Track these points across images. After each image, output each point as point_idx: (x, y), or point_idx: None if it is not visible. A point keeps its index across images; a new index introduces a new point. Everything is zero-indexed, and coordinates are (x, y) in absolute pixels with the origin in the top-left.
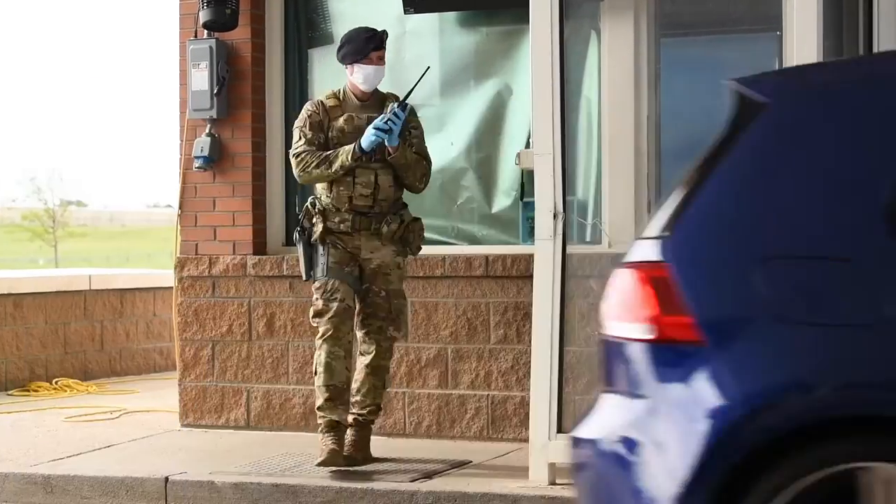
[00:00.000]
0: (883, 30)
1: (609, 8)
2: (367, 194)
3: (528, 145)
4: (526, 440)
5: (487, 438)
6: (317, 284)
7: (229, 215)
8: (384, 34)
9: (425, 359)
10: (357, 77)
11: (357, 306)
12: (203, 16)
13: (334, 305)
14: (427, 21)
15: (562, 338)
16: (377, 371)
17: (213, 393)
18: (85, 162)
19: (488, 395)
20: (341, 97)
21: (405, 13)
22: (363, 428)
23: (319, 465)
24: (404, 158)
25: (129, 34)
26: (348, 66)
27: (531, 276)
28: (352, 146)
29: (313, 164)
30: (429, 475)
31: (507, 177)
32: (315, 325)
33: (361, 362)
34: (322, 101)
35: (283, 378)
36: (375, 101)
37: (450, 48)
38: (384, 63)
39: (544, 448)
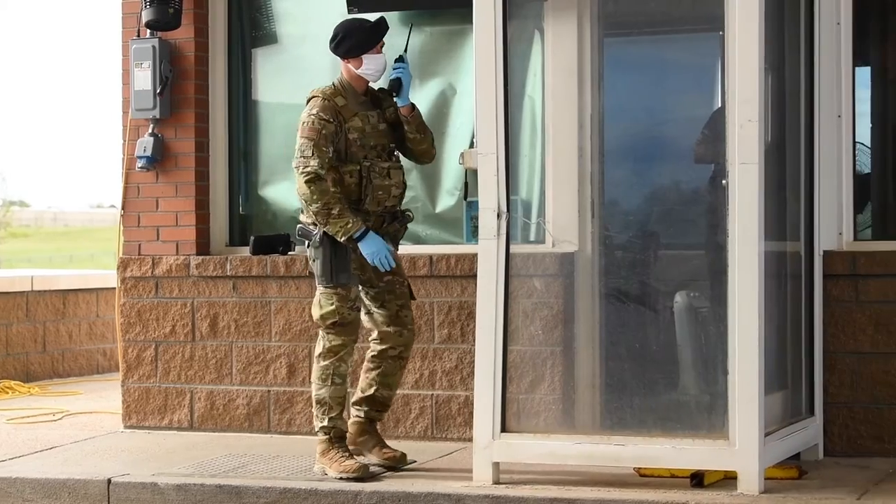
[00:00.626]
0: (824, 32)
1: (552, 8)
2: (399, 194)
3: (471, 145)
4: (470, 439)
5: (432, 438)
6: (341, 291)
7: (172, 215)
8: (386, 22)
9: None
10: (368, 69)
11: (375, 305)
12: (146, 15)
13: (355, 315)
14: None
15: (505, 337)
16: (405, 363)
17: (156, 394)
18: (28, 162)
19: (433, 394)
20: (344, 93)
21: (349, 12)
22: (376, 421)
23: (352, 479)
24: (420, 118)
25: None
26: (353, 59)
27: (475, 276)
28: (354, 228)
29: (315, 206)
30: (373, 475)
31: (450, 176)
32: (332, 332)
33: (391, 353)
34: (332, 103)
35: (226, 379)
36: (371, 96)
37: (393, 48)
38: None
39: (488, 447)
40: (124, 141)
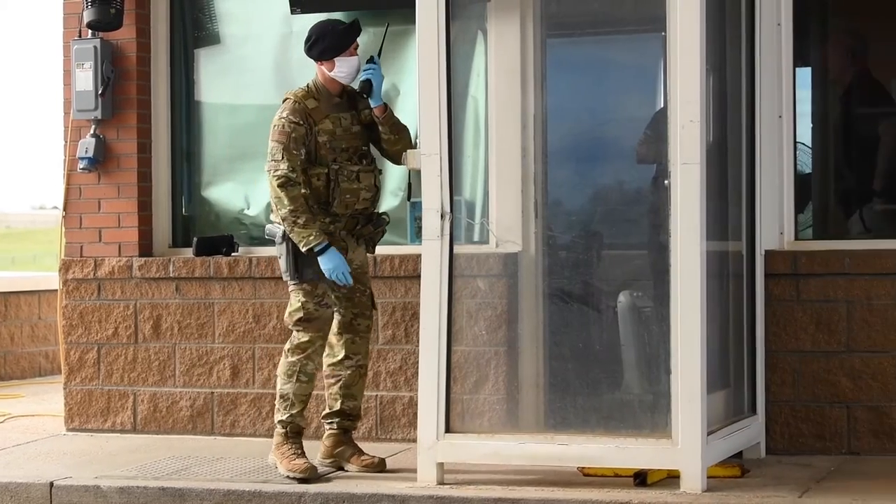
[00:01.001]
0: (765, 32)
1: (495, 8)
2: (369, 197)
3: (415, 145)
4: (415, 440)
5: (376, 439)
6: (306, 287)
7: (115, 217)
8: (359, 24)
9: None
10: (340, 71)
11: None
12: (87, 15)
13: (323, 311)
14: (314, 21)
15: (449, 337)
16: (365, 371)
17: (98, 396)
18: None
19: (377, 395)
20: (317, 95)
21: (292, 13)
22: (350, 430)
23: (298, 479)
24: (394, 118)
25: (13, 34)
26: (326, 61)
27: (419, 277)
28: (315, 240)
29: (283, 211)
30: (321, 476)
31: (394, 177)
32: (299, 329)
33: (347, 364)
34: (303, 105)
35: (169, 381)
36: (346, 98)
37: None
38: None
39: (433, 448)
40: (66, 142)
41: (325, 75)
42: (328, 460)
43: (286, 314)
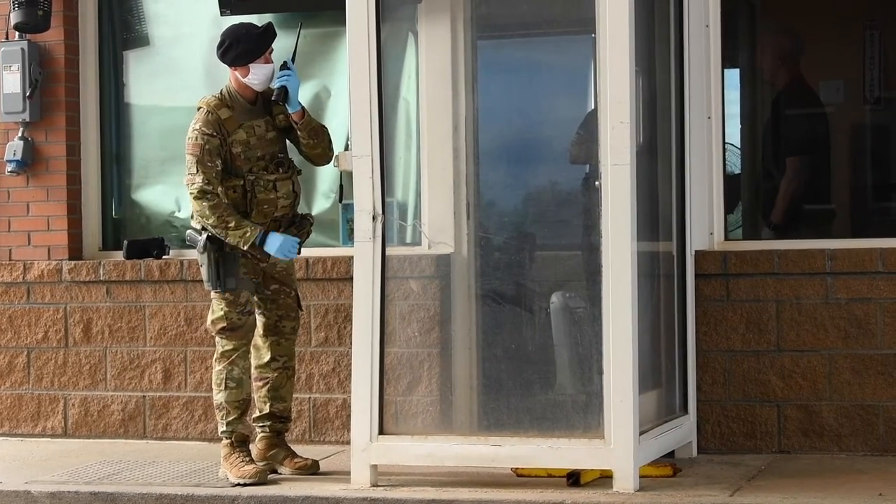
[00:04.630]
0: (694, 34)
1: (426, 10)
2: (288, 204)
3: (346, 147)
4: (348, 443)
5: (310, 441)
6: (229, 296)
7: (44, 220)
8: (274, 28)
9: None
10: (254, 78)
11: (258, 311)
12: (14, 17)
13: (246, 319)
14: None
15: (382, 339)
16: (293, 372)
17: (28, 401)
18: None
19: (310, 397)
20: (230, 103)
21: (221, 15)
22: (283, 432)
23: (249, 485)
24: (312, 122)
25: None
26: (240, 67)
27: (352, 279)
28: (252, 234)
29: (211, 221)
30: (273, 481)
31: (325, 179)
32: (223, 336)
33: (274, 366)
34: (216, 116)
35: (100, 384)
36: (261, 103)
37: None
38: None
39: (366, 450)
40: None
41: (239, 81)
42: (262, 463)
43: (209, 321)
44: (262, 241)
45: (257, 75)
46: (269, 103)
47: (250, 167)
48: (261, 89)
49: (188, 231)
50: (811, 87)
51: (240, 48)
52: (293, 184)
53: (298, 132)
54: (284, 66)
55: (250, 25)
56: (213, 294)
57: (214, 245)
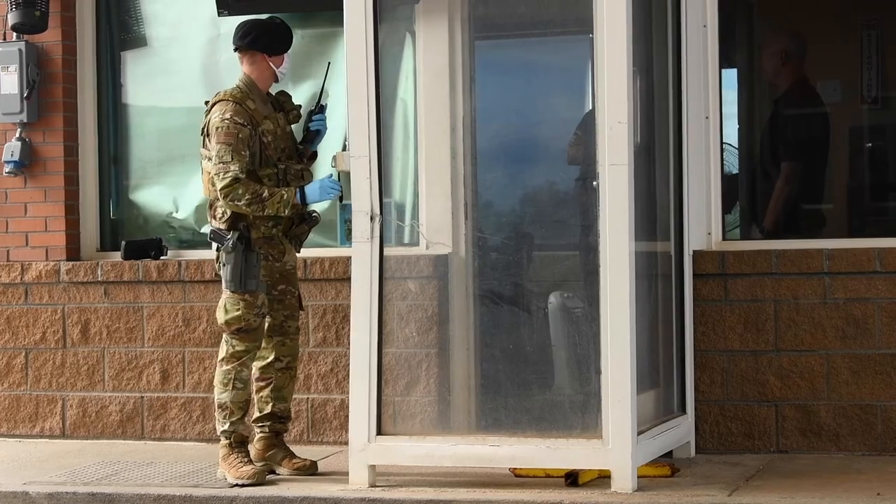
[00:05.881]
0: (691, 34)
1: (423, 11)
2: None
3: (344, 148)
4: (346, 443)
5: (308, 442)
6: (248, 298)
7: (42, 220)
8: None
9: None
10: (285, 68)
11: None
12: (11, 18)
13: (261, 321)
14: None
15: (380, 340)
16: (295, 372)
17: (26, 402)
18: None
19: (308, 398)
20: (252, 96)
21: (219, 15)
22: (282, 432)
23: (248, 486)
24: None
25: None
26: (275, 56)
27: (349, 279)
28: (290, 195)
29: (245, 201)
30: (271, 481)
31: None
32: (236, 337)
33: (278, 366)
34: (245, 106)
35: (98, 385)
36: (270, 99)
37: None
38: None
39: (364, 450)
40: None
41: (262, 73)
42: (260, 464)
43: (222, 321)
44: (303, 197)
45: (287, 64)
46: (277, 100)
47: (279, 156)
48: (282, 79)
49: (211, 230)
50: (809, 86)
51: (273, 38)
52: (312, 176)
53: (302, 160)
54: (321, 110)
55: (276, 19)
56: (228, 294)
57: (243, 244)
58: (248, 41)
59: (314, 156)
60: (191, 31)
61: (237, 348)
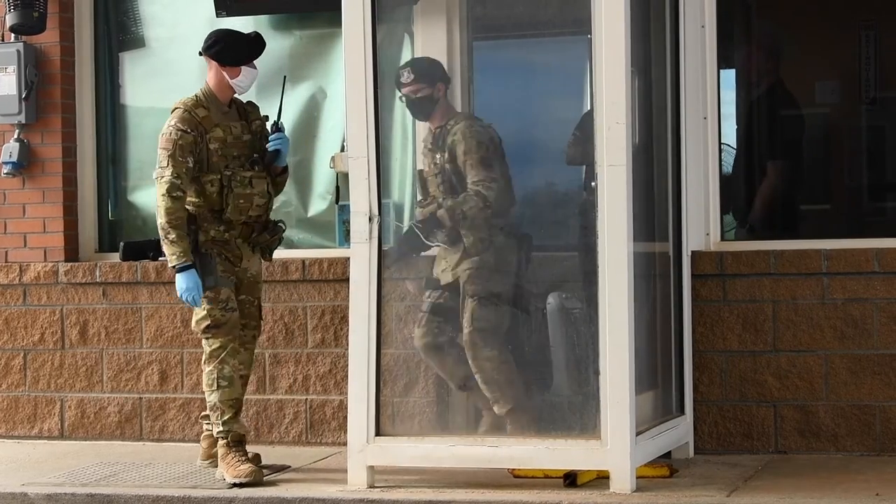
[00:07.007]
0: (689, 35)
1: (421, 11)
2: (262, 204)
3: (342, 148)
4: (345, 444)
5: (306, 443)
6: (209, 294)
7: (40, 221)
8: (263, 38)
9: None
10: (242, 81)
11: None
12: (10, 19)
13: (230, 316)
14: (240, 24)
15: (379, 340)
16: (247, 380)
17: (25, 403)
18: None
19: (307, 399)
20: (206, 104)
21: (217, 16)
22: None
23: (244, 485)
24: (286, 176)
25: None
26: (230, 67)
27: (348, 280)
28: (178, 262)
29: (165, 218)
30: (269, 481)
31: (322, 180)
32: (208, 336)
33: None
34: (192, 114)
35: (97, 386)
36: (234, 107)
37: (263, 52)
38: None
39: (363, 451)
40: None
41: (221, 82)
42: (206, 461)
43: (193, 323)
44: (181, 270)
45: (246, 79)
46: (242, 109)
47: (226, 164)
48: (243, 92)
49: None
50: (812, 88)
51: (234, 50)
52: (267, 184)
53: (272, 177)
54: (277, 129)
55: (236, 31)
56: None
57: (190, 245)
58: (205, 48)
59: (285, 170)
60: (189, 32)
61: (213, 346)
